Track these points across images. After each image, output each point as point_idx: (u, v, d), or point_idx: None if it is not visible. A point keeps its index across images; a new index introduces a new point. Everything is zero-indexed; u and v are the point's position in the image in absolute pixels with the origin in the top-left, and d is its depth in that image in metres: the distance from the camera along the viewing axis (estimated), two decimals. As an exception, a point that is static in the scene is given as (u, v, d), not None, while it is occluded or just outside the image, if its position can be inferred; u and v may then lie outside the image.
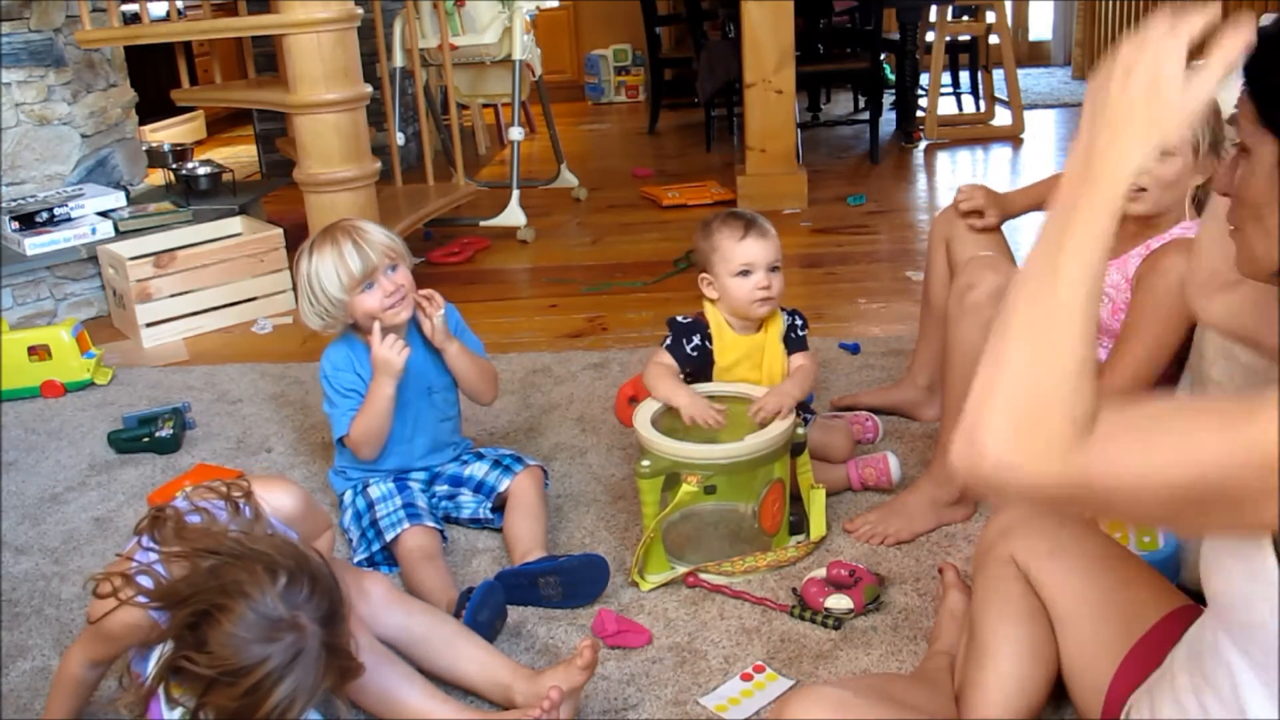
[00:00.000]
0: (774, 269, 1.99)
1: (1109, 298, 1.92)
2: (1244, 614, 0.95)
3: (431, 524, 1.93)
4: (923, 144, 5.18)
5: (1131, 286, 1.87)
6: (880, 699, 1.29)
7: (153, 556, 1.25)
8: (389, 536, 1.90)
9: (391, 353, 1.90)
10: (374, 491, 1.99)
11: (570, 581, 1.79)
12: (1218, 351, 1.63)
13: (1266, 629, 0.92)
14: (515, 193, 4.08)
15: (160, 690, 1.21)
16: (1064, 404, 0.87)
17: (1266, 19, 1.05)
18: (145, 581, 1.22)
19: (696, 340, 2.03)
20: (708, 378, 2.03)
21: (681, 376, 2.01)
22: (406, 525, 1.90)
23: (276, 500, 1.40)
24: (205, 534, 1.24)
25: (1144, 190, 1.83)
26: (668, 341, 2.04)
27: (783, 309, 2.06)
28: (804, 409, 2.08)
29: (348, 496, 2.03)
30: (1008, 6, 5.41)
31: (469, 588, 1.71)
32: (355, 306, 1.93)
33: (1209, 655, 1.02)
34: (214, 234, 3.41)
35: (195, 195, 3.67)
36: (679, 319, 2.06)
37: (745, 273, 1.98)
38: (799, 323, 2.07)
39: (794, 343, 2.05)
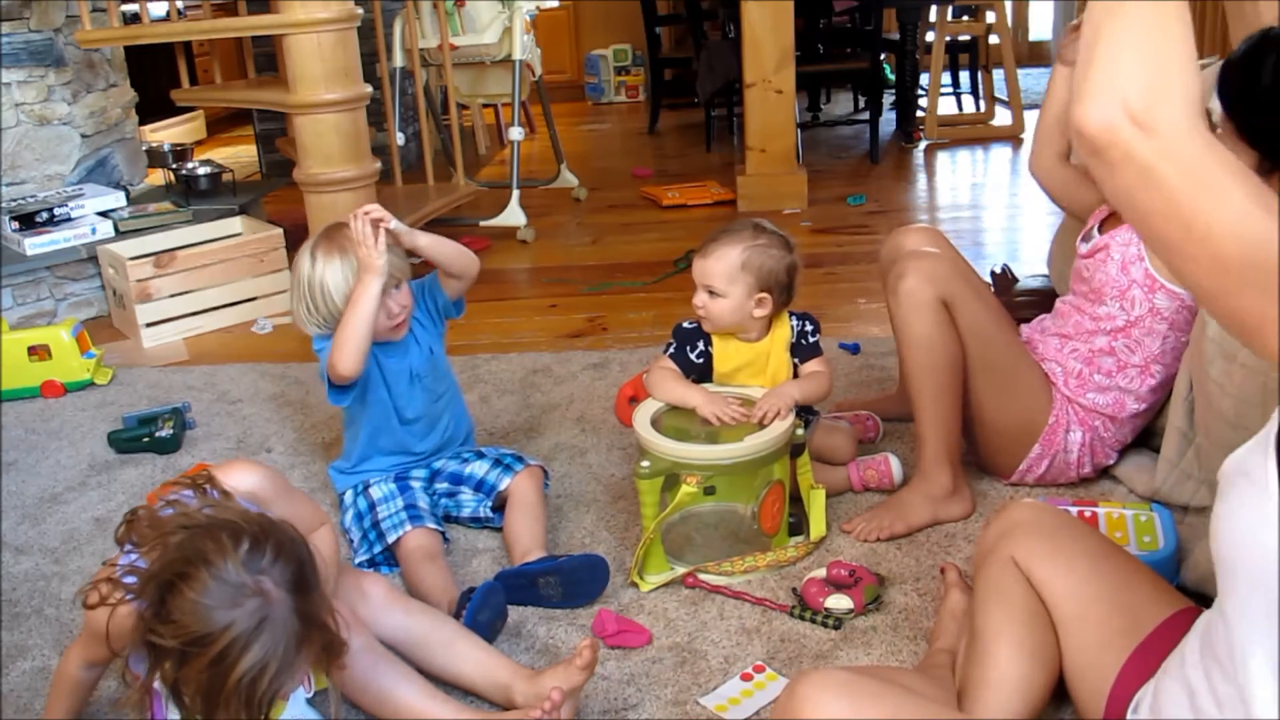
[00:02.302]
0: (711, 293, 1.94)
1: (1116, 258, 1.90)
2: (1257, 567, 0.94)
3: (433, 525, 1.93)
4: (923, 144, 5.18)
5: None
6: (886, 683, 1.28)
7: (134, 557, 1.26)
8: (391, 538, 1.90)
9: (373, 254, 1.89)
10: (375, 492, 1.99)
11: (570, 581, 1.79)
12: (1216, 351, 1.63)
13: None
14: (515, 193, 4.08)
15: (161, 688, 1.21)
16: (1186, 71, 0.85)
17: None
18: (130, 580, 1.23)
19: (701, 346, 2.01)
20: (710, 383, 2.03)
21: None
22: (409, 527, 1.90)
23: (236, 480, 1.41)
24: (177, 517, 1.25)
25: None
26: (671, 349, 2.02)
27: (792, 314, 2.03)
28: (807, 411, 2.08)
29: (348, 497, 2.03)
30: (1008, 6, 5.40)
31: (469, 588, 1.71)
32: None
33: (1219, 643, 1.01)
34: (214, 234, 3.41)
35: (195, 195, 3.67)
36: (685, 325, 2.04)
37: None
38: (809, 328, 2.02)
39: (805, 349, 2.01)
